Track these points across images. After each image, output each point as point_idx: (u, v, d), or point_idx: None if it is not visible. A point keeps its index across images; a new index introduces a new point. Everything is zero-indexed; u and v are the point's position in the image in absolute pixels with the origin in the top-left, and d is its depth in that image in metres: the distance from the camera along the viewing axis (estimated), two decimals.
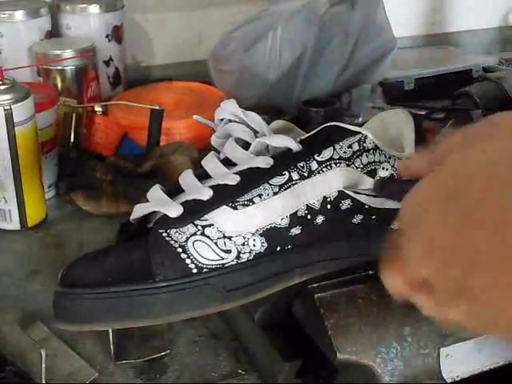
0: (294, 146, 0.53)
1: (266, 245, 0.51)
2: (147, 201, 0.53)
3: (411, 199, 0.40)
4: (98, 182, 0.82)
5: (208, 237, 0.49)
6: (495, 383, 0.60)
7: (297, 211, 0.52)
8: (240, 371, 0.58)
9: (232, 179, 0.51)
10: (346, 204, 0.53)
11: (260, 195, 0.51)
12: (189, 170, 0.55)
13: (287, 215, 0.51)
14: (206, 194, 0.51)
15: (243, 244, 0.50)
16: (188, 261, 0.49)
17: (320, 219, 0.53)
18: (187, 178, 0.54)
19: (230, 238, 0.50)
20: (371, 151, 0.54)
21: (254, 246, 0.50)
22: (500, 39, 1.48)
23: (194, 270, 0.49)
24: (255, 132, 0.55)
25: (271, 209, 0.51)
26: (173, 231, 0.49)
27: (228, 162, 0.54)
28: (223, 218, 0.50)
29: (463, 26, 1.46)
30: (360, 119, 1.01)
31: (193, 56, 1.24)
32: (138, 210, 0.52)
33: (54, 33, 1.07)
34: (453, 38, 1.44)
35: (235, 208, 0.50)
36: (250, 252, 0.50)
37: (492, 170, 0.36)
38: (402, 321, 0.54)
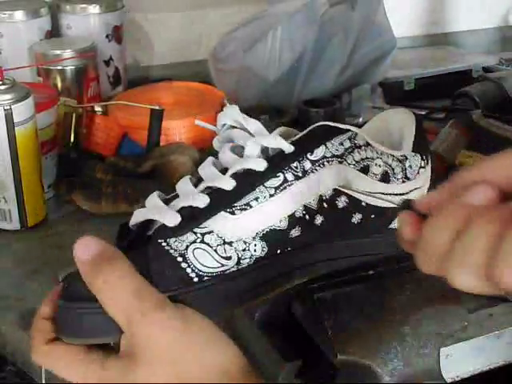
0: (287, 147, 0.52)
1: (266, 249, 0.50)
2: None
3: None
4: (98, 182, 0.82)
5: (208, 244, 0.49)
6: (495, 383, 0.60)
7: (295, 212, 0.51)
8: None
9: (227, 183, 0.51)
10: (342, 201, 0.53)
11: (257, 198, 0.50)
12: (187, 177, 0.54)
13: (285, 217, 0.51)
14: (202, 200, 0.50)
15: (244, 250, 0.50)
16: (189, 270, 0.48)
17: (319, 220, 0.52)
18: (183, 185, 0.53)
19: (230, 243, 0.49)
20: (363, 147, 0.54)
21: (255, 250, 0.50)
22: (500, 39, 1.48)
23: (195, 279, 0.48)
24: None
25: (269, 211, 0.50)
26: (172, 240, 0.49)
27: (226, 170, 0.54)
28: (222, 224, 0.49)
29: (463, 26, 1.46)
30: (360, 119, 1.01)
31: (193, 56, 1.24)
32: (137, 216, 0.52)
33: (54, 33, 1.07)
34: (453, 38, 1.44)
35: (233, 213, 0.50)
36: (250, 257, 0.50)
37: None
38: (402, 321, 0.54)
